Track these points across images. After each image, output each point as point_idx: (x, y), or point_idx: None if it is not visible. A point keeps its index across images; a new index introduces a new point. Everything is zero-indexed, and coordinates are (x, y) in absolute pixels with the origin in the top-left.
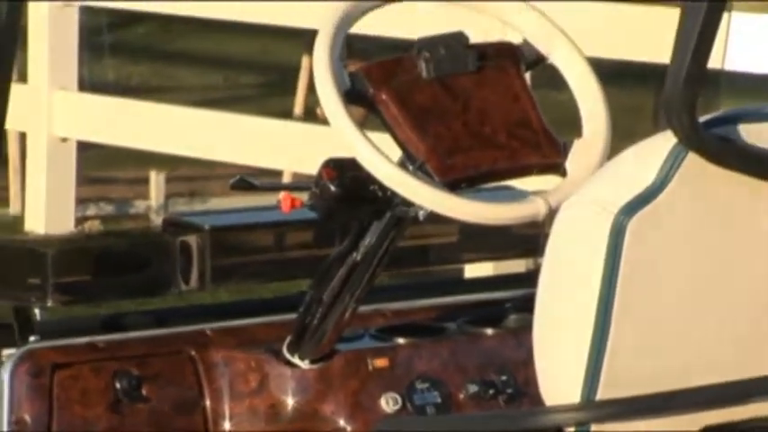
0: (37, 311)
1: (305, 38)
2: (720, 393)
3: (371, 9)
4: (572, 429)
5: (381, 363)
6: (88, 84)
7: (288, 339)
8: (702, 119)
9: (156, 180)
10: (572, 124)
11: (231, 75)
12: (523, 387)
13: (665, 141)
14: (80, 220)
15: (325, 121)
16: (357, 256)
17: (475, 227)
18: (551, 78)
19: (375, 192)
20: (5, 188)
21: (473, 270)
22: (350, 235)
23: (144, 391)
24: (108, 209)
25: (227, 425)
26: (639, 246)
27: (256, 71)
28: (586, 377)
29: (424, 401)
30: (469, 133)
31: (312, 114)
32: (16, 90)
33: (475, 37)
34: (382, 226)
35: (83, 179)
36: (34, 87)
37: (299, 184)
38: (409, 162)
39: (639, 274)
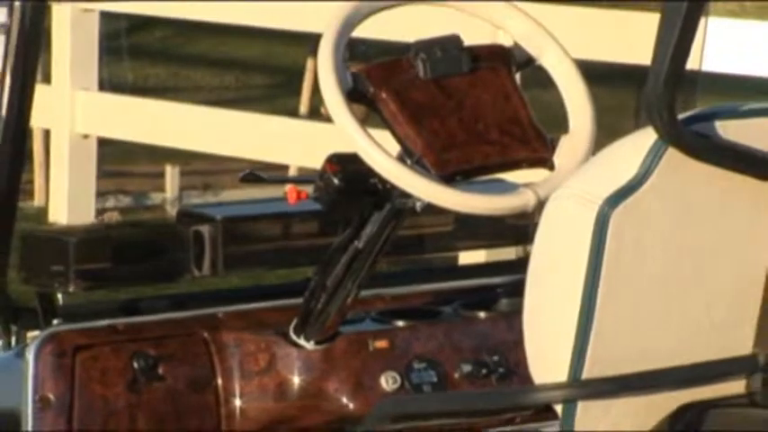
0: (60, 296)
1: (310, 41)
2: (698, 373)
3: (372, 13)
4: (560, 406)
5: (381, 344)
6: (108, 84)
7: (294, 322)
8: (681, 116)
9: (171, 174)
10: (559, 122)
11: (241, 76)
12: (514, 367)
13: (646, 137)
14: (100, 212)
15: (328, 119)
16: (359, 244)
17: (469, 217)
18: (540, 79)
19: (375, 185)
20: (31, 182)
21: (467, 257)
22: (352, 225)
23: (160, 371)
24: (126, 201)
25: (237, 402)
26: (622, 235)
27: (265, 73)
28: (573, 358)
29: (421, 380)
30: (463, 130)
31: (316, 113)
32: (40, 90)
33: (468, 39)
34: (382, 216)
35: (102, 173)
36: (57, 88)
37: (304, 177)
38: (407, 157)
39: (622, 261)
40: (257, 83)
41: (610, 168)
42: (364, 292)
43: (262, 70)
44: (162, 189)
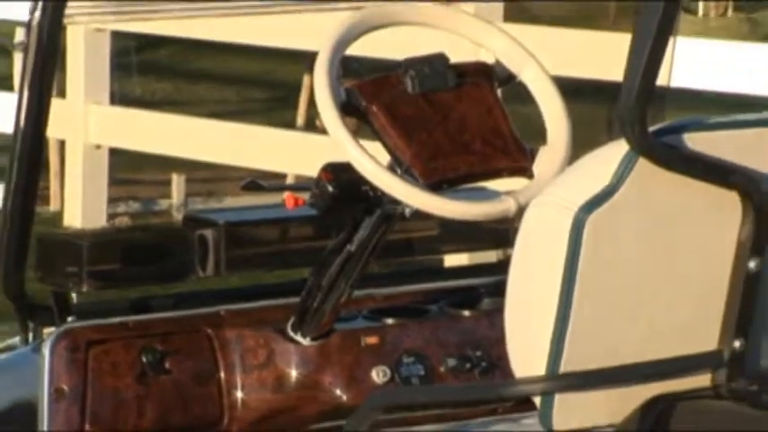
0: (74, 295)
1: (306, 59)
2: (666, 368)
3: (364, 33)
4: (538, 398)
5: (372, 340)
6: (118, 98)
7: (291, 320)
8: (651, 129)
9: (178, 182)
10: (538, 134)
11: (242, 91)
12: (496, 361)
13: (618, 148)
14: (111, 217)
15: (324, 131)
16: (351, 247)
17: (453, 222)
18: (520, 93)
19: (367, 192)
20: (47, 188)
21: (452, 260)
22: (345, 229)
23: (167, 365)
24: (135, 207)
25: (239, 394)
26: (596, 239)
27: (263, 88)
28: (551, 353)
29: (409, 374)
30: (449, 141)
31: (312, 125)
32: (56, 104)
33: (453, 57)
34: (373, 221)
35: (113, 181)
36: (72, 101)
37: (301, 185)
38: (397, 166)
39: (597, 264)
40: (256, 97)
41: (585, 177)
42: (357, 292)
43: (261, 86)
44: (169, 196)
